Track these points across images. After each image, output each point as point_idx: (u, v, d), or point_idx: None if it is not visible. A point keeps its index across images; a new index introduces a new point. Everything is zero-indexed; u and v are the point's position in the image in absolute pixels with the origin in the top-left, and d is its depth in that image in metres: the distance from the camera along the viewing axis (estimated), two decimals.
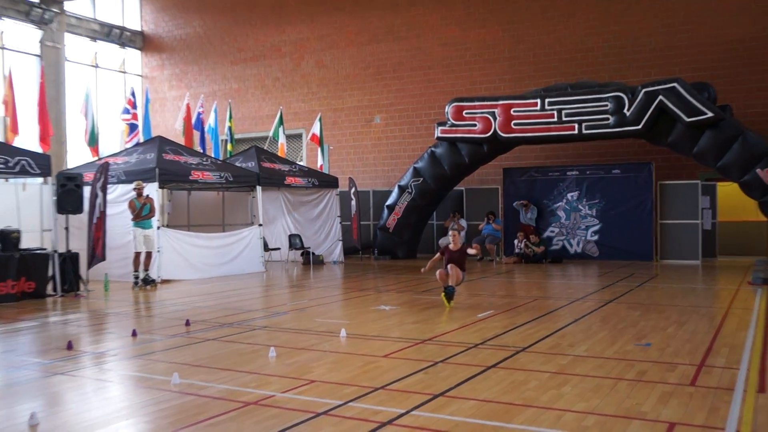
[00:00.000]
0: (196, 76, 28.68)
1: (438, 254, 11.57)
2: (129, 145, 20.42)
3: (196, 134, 22.36)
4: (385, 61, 24.68)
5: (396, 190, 21.61)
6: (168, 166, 16.35)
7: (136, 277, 15.06)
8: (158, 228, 15.76)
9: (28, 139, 18.96)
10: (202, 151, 21.25)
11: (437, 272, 11.32)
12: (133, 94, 22.14)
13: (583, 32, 21.71)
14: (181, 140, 21.20)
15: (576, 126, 18.65)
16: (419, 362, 7.15)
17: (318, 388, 6.16)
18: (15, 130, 18.57)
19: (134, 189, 15.21)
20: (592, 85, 19.14)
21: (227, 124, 23.32)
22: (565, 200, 20.94)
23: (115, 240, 15.28)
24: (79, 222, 14.92)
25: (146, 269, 15.21)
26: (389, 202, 21.71)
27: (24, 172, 13.40)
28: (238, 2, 27.66)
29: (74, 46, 27.07)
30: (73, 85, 25.94)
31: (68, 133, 25.48)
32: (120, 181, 15.98)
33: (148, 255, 15.22)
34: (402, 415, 5.31)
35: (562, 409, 5.43)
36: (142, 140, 20.36)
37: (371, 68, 24.97)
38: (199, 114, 22.59)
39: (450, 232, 11.66)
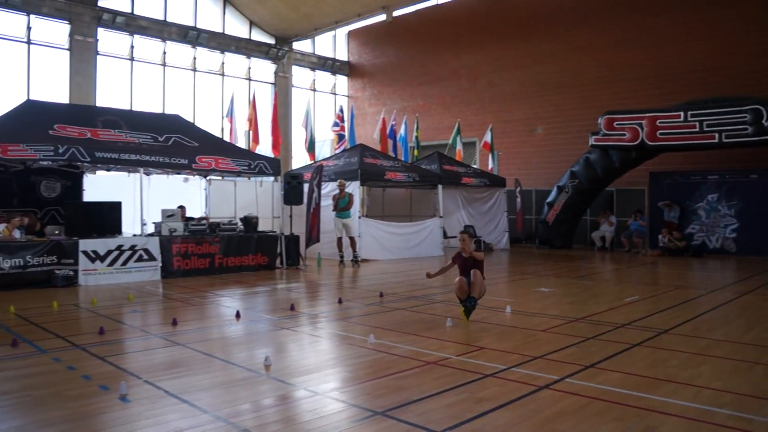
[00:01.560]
0: (390, 96, 29.31)
1: (450, 262, 8.24)
2: (338, 151, 21.25)
3: (390, 142, 22.83)
4: (546, 80, 23.91)
5: (555, 189, 20.98)
6: (368, 168, 16.80)
7: (341, 257, 15.65)
8: (359, 217, 16.27)
9: (264, 147, 20.26)
10: (394, 155, 21.67)
11: (456, 280, 7.92)
12: (341, 111, 22.99)
13: (721, 51, 19.85)
14: (378, 147, 21.75)
15: (716, 135, 17.16)
16: (573, 337, 6.94)
17: (486, 354, 6.15)
18: (256, 140, 20.02)
19: (338, 186, 15.78)
20: (732, 99, 17.52)
21: (414, 133, 23.63)
22: (705, 201, 19.32)
23: (327, 226, 15.83)
24: (300, 211, 15.66)
25: (354, 251, 15.67)
26: (549, 199, 21.12)
27: (261, 173, 14.26)
28: (423, 35, 27.91)
29: (298, 75, 28.57)
30: (297, 105, 27.44)
31: (293, 142, 27.00)
32: (330, 180, 16.58)
33: (352, 239, 15.73)
34: (557, 381, 5.19)
35: (701, 386, 5.07)
36: (347, 147, 21.02)
37: (534, 86, 24.29)
38: (392, 126, 23.03)
39: (458, 236, 8.13)
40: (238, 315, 8.20)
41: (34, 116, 12.12)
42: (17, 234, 11.30)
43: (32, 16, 19.31)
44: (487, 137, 22.53)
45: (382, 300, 9.78)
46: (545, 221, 21.16)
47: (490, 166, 22.69)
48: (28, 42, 19.35)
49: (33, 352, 6.25)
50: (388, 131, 22.86)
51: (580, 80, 23.04)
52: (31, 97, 17.29)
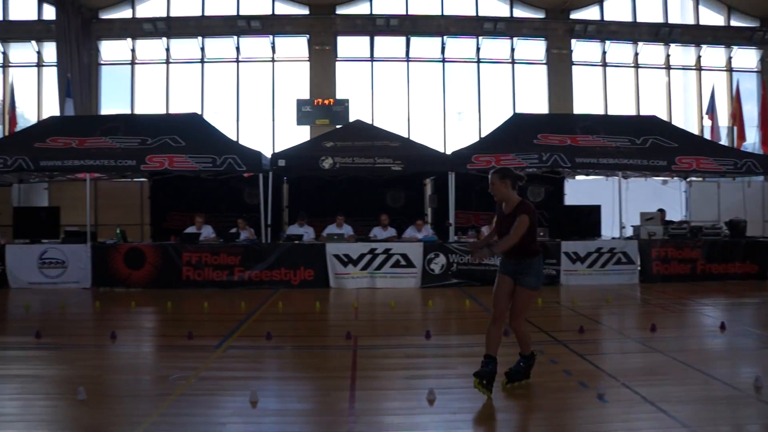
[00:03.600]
0: None
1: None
2: None
3: None
4: None
5: None
6: None
7: None
8: None
9: (751, 143, 18.48)
10: None
11: (490, 329, 5.20)
12: None
13: None
14: None
15: None
16: None
17: None
18: (741, 137, 18.37)
19: None
20: None
21: None
22: None
23: None
24: None
25: None
26: None
27: (749, 172, 13.10)
28: None
29: None
30: None
31: None
32: None
33: None
34: None
35: None
36: None
37: None
38: None
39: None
40: (722, 327, 7.75)
41: (520, 128, 13.64)
42: None
43: (515, 39, 21.65)
44: None
45: None
46: None
47: None
48: (512, 62, 21.76)
49: None
50: None
51: None
52: (517, 111, 19.46)
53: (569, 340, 7.09)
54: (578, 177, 16.30)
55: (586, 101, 22.01)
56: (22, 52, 21.20)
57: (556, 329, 7.89)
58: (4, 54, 21.15)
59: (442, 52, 21.20)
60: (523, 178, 5.28)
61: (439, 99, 21.25)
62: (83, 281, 12.06)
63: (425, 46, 21.24)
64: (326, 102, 20.22)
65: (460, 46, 21.40)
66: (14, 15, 21.06)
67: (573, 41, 21.84)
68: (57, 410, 4.86)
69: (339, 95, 20.56)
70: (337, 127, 17.51)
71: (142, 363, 6.60)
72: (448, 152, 13.36)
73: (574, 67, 22.00)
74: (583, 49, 22.18)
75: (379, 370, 5.95)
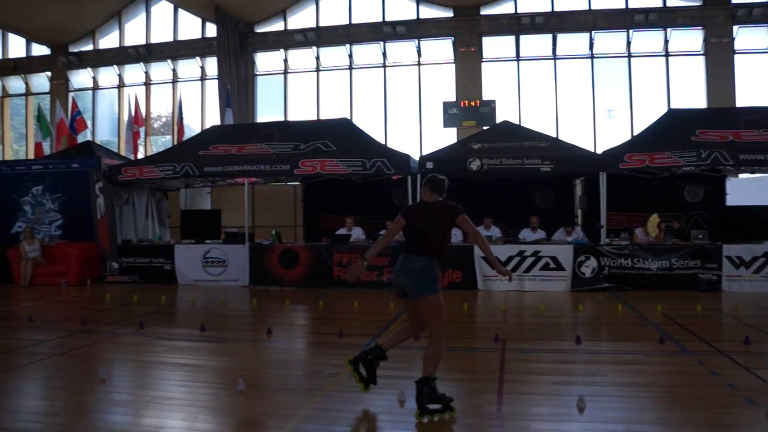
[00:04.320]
0: None
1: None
2: None
3: None
4: None
5: None
6: None
7: None
8: None
9: None
10: None
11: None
12: None
13: None
14: None
15: None
16: None
17: None
18: None
19: None
20: None
21: None
22: None
23: None
24: None
25: None
26: None
27: None
28: None
29: None
30: None
31: None
32: None
33: None
34: None
35: None
36: None
37: None
38: None
39: None
40: None
41: (676, 124, 12.76)
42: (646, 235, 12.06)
43: (668, 30, 20.25)
44: None
45: None
46: None
47: None
48: (666, 54, 20.37)
49: (678, 351, 6.65)
50: None
51: None
52: (671, 107, 18.21)
53: (733, 352, 6.51)
54: (741, 175, 14.94)
55: (750, 93, 20.15)
56: (188, 68, 23.08)
57: (718, 339, 7.31)
58: (174, 71, 23.11)
59: (591, 48, 20.31)
60: (444, 181, 5.02)
61: (588, 96, 20.39)
62: (242, 279, 12.85)
63: (572, 42, 20.47)
64: (472, 103, 20.10)
65: (610, 40, 20.41)
66: (182, 35, 23.02)
67: (735, 28, 20.10)
68: (218, 398, 5.19)
69: (485, 96, 20.36)
70: (484, 128, 17.34)
71: (296, 358, 6.91)
72: (599, 151, 12.78)
73: (736, 56, 20.25)
74: (747, 36, 20.34)
75: (527, 374, 5.79)
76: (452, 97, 20.52)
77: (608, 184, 12.11)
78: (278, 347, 7.26)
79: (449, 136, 19.58)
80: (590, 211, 13.73)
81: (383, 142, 17.38)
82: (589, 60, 20.47)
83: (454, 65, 20.84)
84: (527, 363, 6.26)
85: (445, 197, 5.03)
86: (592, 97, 20.40)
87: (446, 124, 20.24)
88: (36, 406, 5.05)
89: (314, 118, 20.94)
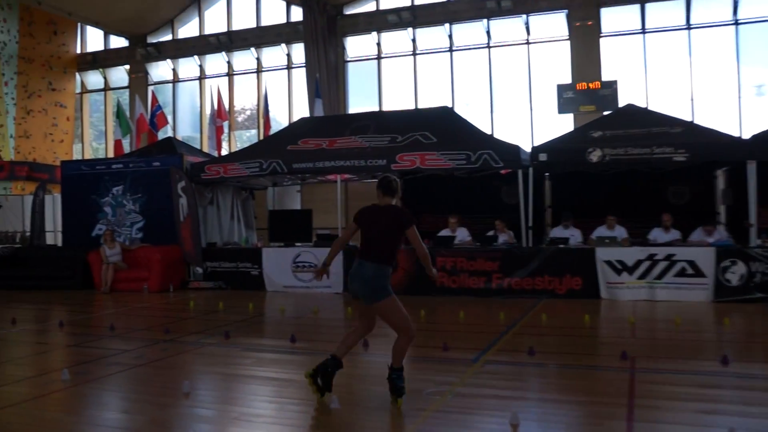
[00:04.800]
0: None
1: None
2: None
3: None
4: None
5: None
6: None
7: None
8: None
9: None
10: None
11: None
12: None
13: None
14: None
15: None
16: None
17: None
18: None
19: None
20: None
21: None
22: None
23: None
24: None
25: None
26: None
27: None
28: None
29: None
30: None
31: None
32: None
33: None
34: None
35: None
36: None
37: None
38: None
39: None
40: None
41: None
42: None
43: None
44: None
45: None
46: None
47: None
48: None
49: None
50: None
51: None
52: None
53: None
54: None
55: None
56: (273, 55, 23.75)
57: None
58: (258, 60, 23.83)
59: (734, 12, 19.07)
60: (396, 182, 5.74)
61: (732, 71, 19.29)
62: (335, 286, 13.04)
63: (711, 8, 19.37)
64: (591, 85, 19.52)
65: (758, 2, 19.06)
66: (266, 20, 23.70)
67: None
68: (310, 417, 5.26)
69: (605, 77, 19.72)
70: (605, 113, 16.86)
71: None
72: (745, 136, 12.12)
73: None
74: None
75: (662, 399, 5.54)
76: (567, 79, 20.03)
77: (759, 175, 11.46)
78: (376, 361, 7.27)
79: (565, 124, 19.20)
80: (736, 207, 13.04)
81: (489, 133, 17.21)
82: (733, 27, 19.28)
83: (568, 42, 20.33)
84: (661, 386, 5.98)
85: (399, 199, 5.56)
86: (737, 71, 19.23)
87: (561, 110, 19.80)
88: (117, 420, 5.29)
89: (412, 107, 21.02)
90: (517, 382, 6.23)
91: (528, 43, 20.94)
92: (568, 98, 19.75)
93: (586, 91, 19.57)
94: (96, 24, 25.41)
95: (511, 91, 21.12)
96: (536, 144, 13.20)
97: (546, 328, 9.16)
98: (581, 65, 19.96)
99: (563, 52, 20.47)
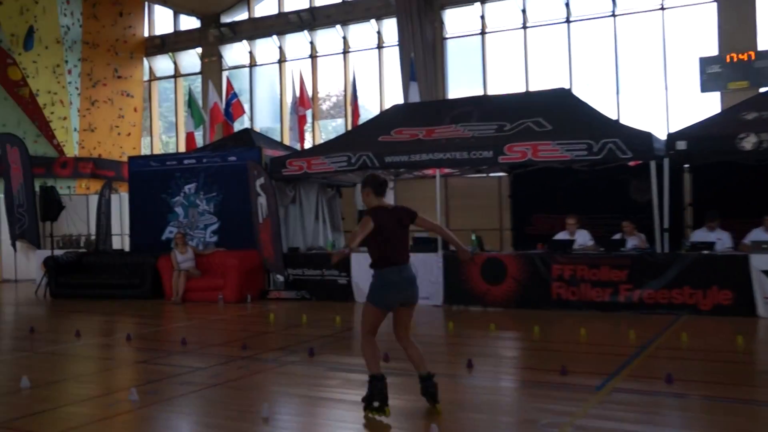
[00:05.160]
0: None
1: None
2: None
3: None
4: None
5: None
6: None
7: None
8: None
9: None
10: None
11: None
12: None
13: None
14: None
15: None
16: None
17: None
18: None
19: None
20: None
21: None
22: None
23: None
24: None
25: None
26: None
27: None
28: None
29: None
30: None
31: None
32: None
33: None
34: None
35: None
36: None
37: None
38: None
39: None
40: None
41: None
42: None
43: None
44: None
45: None
46: None
47: None
48: None
49: None
50: None
51: None
52: None
53: None
54: None
55: None
56: (361, 34, 23.98)
57: None
58: (344, 39, 24.07)
59: None
60: (385, 182, 6.05)
61: None
62: (434, 297, 13.00)
63: None
64: (743, 57, 18.74)
65: None
66: None
67: None
68: None
69: (761, 46, 18.91)
70: (761, 90, 16.14)
71: (504, 401, 6.82)
72: None
73: None
74: None
75: None
76: (713, 51, 19.35)
77: None
78: (481, 385, 7.22)
79: (710, 105, 18.67)
80: None
81: (615, 118, 16.80)
82: None
83: (714, 5, 19.60)
84: None
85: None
86: None
87: (704, 88, 19.20)
88: None
89: (522, 89, 20.81)
90: (652, 415, 6.01)
91: (662, 8, 20.39)
92: (713, 73, 19.07)
93: (736, 63, 18.82)
94: (164, 3, 26.30)
95: (641, 67, 20.62)
96: (673, 130, 12.78)
97: (687, 351, 8.89)
98: (731, 32, 19.19)
99: (708, 17, 19.79)
